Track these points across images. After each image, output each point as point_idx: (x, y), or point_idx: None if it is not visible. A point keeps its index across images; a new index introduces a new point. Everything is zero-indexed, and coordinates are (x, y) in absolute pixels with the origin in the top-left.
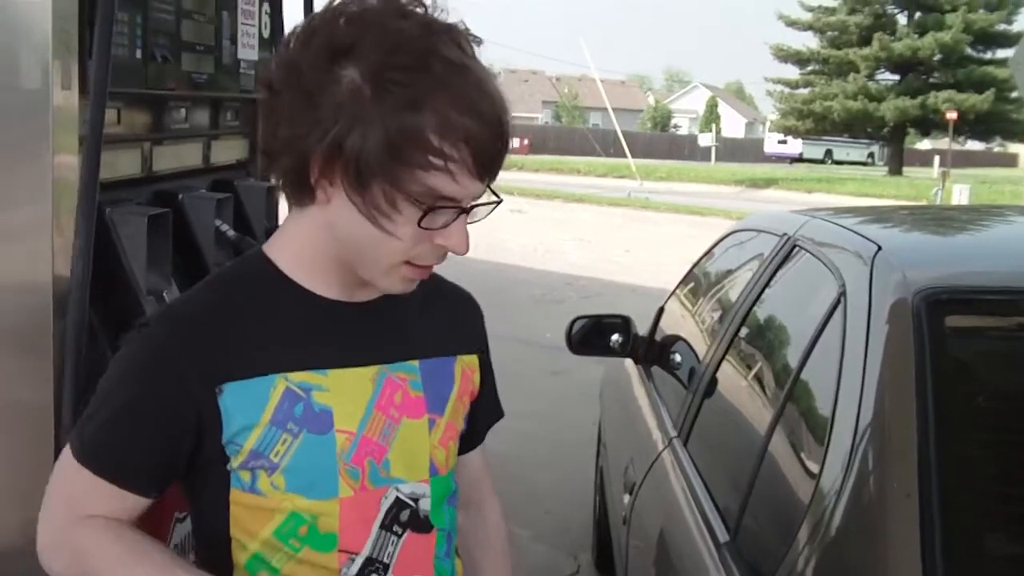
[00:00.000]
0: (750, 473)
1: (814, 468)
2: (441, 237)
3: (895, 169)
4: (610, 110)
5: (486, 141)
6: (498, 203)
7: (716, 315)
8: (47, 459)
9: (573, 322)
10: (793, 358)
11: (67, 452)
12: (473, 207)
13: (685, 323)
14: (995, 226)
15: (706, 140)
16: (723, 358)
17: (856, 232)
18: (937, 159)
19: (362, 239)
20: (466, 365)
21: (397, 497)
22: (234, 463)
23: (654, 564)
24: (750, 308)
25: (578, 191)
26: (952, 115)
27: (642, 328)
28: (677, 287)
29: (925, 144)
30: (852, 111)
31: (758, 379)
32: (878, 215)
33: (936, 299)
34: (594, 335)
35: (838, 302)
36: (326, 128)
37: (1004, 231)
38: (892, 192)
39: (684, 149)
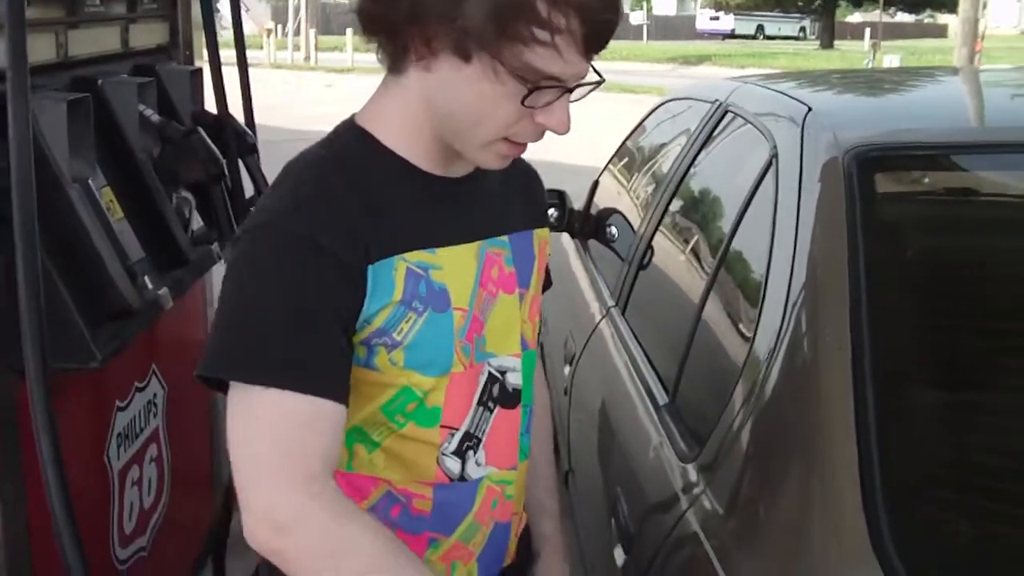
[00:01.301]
0: (687, 336)
1: (748, 329)
2: (543, 115)
3: (827, 43)
4: None
5: (597, 10)
6: (600, 82)
7: (650, 185)
8: None
9: None
10: (726, 223)
11: (244, 399)
12: (577, 86)
13: (620, 195)
14: (923, 86)
15: (637, 18)
16: (658, 226)
17: (787, 95)
18: (868, 31)
19: (462, 113)
20: (541, 238)
21: (490, 372)
22: (355, 338)
23: (596, 430)
24: (683, 175)
25: None
26: None
27: (577, 204)
28: (611, 160)
29: (857, 17)
30: None
31: (693, 245)
32: (809, 79)
33: (866, 157)
34: None
35: (769, 164)
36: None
37: (932, 91)
38: (824, 65)
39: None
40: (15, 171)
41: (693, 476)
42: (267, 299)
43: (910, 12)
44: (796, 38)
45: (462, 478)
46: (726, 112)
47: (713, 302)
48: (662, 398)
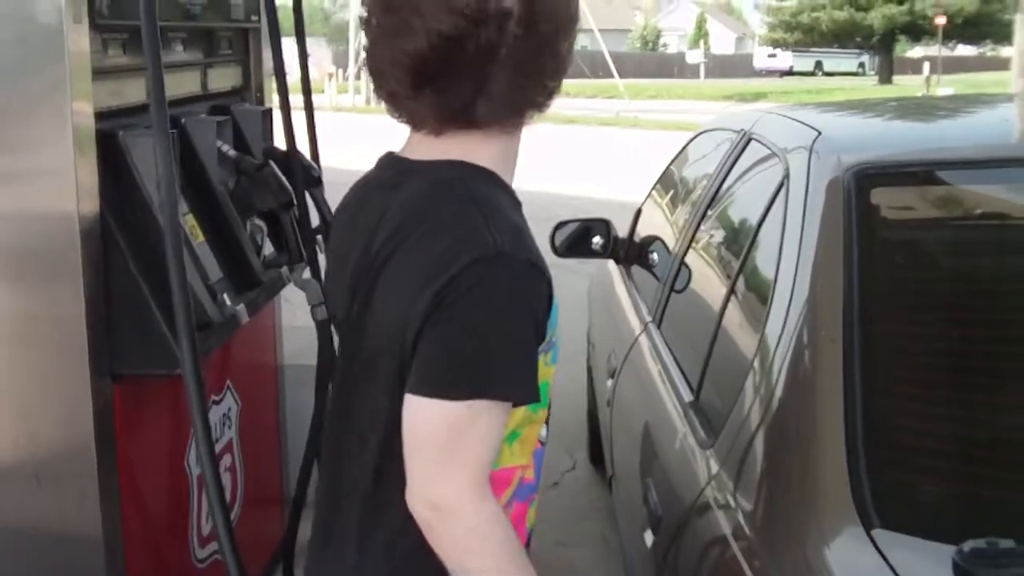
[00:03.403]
0: (710, 340)
1: (757, 330)
2: None
3: (885, 78)
4: (596, 31)
5: None
6: None
7: (684, 209)
8: (80, 372)
9: (556, 227)
10: (745, 238)
11: (461, 409)
12: None
13: (659, 221)
14: (935, 113)
15: (695, 57)
16: (689, 246)
17: (801, 122)
18: (927, 65)
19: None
20: None
21: None
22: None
23: (633, 433)
24: (712, 199)
25: (567, 113)
26: (940, 20)
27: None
28: (652, 188)
29: (917, 52)
30: (840, 21)
31: (717, 260)
32: (829, 107)
33: (865, 174)
34: (577, 239)
35: (781, 185)
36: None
37: (940, 116)
38: None
39: (673, 68)
40: (164, 190)
41: (711, 460)
42: (514, 322)
43: (971, 44)
44: (855, 74)
45: (544, 441)
46: (750, 140)
47: (731, 309)
48: (688, 396)
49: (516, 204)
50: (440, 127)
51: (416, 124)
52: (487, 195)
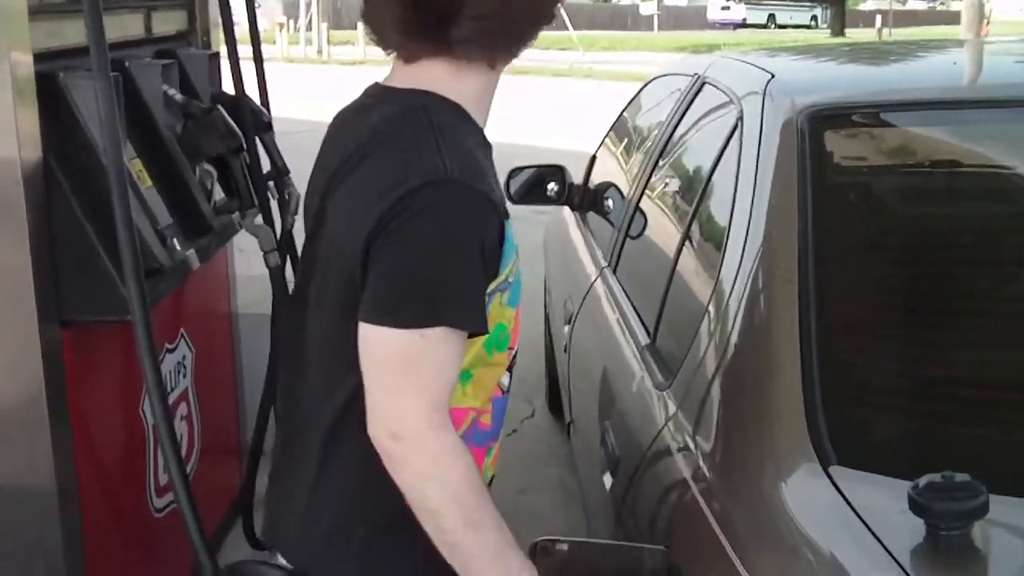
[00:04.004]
0: (665, 284)
1: (712, 271)
2: None
3: (837, 30)
4: None
5: None
6: None
7: (638, 155)
8: (27, 319)
9: (511, 173)
10: (699, 181)
11: (413, 337)
12: None
13: (614, 167)
14: (887, 57)
15: (648, 8)
16: (643, 192)
17: (755, 65)
18: (879, 18)
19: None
20: None
21: None
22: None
23: (591, 378)
24: (666, 144)
25: (519, 63)
26: None
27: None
28: (606, 135)
29: (870, 5)
30: None
31: (672, 204)
32: (781, 52)
33: (818, 116)
34: (532, 185)
35: (735, 127)
36: None
37: (892, 60)
38: None
39: (627, 19)
40: (106, 132)
41: (668, 401)
42: (464, 251)
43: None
44: (808, 26)
45: (507, 390)
46: (704, 84)
47: (687, 252)
48: (644, 339)
49: (484, 144)
50: (415, 48)
51: (392, 46)
52: (447, 124)
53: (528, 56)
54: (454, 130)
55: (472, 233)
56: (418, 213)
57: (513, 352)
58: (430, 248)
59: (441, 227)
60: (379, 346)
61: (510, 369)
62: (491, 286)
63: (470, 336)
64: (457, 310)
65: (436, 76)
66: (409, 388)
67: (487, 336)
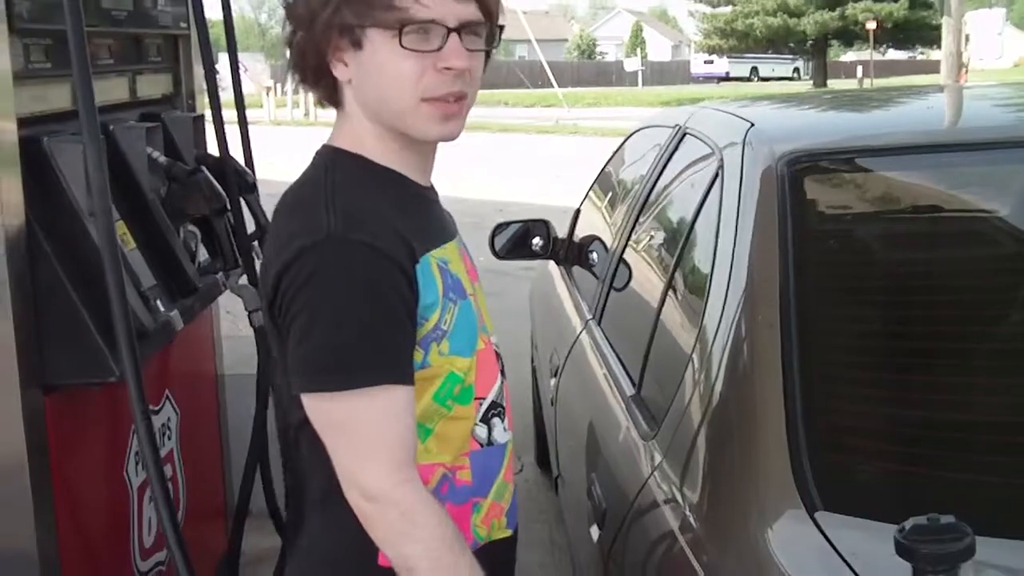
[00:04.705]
0: (649, 334)
1: (696, 319)
2: (440, 60)
3: (819, 82)
4: (534, 41)
5: None
6: (500, 28)
7: (622, 207)
8: (9, 385)
9: (495, 229)
10: (682, 231)
11: (343, 401)
12: (463, 28)
13: (597, 220)
14: (866, 103)
15: (632, 65)
16: (627, 243)
17: (734, 115)
18: (860, 69)
19: (382, 90)
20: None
21: (495, 347)
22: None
23: (577, 431)
24: (648, 195)
25: (505, 122)
26: (871, 25)
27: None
28: (590, 188)
29: (850, 56)
30: (773, 27)
31: (655, 254)
32: (761, 101)
33: (798, 162)
34: (517, 240)
35: (716, 176)
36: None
37: (871, 107)
38: None
39: (612, 75)
40: (97, 196)
41: (654, 451)
42: (355, 306)
43: (902, 49)
44: (790, 79)
45: (490, 443)
46: (685, 134)
47: (670, 302)
48: (629, 390)
49: (411, 196)
50: (329, 104)
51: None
52: (344, 179)
53: (514, 114)
54: (351, 182)
55: (362, 285)
56: (304, 283)
57: (481, 402)
58: (322, 316)
59: (328, 292)
60: (316, 414)
61: (487, 421)
62: (419, 333)
63: (404, 386)
64: (365, 368)
65: (339, 130)
66: (362, 449)
67: (436, 388)
